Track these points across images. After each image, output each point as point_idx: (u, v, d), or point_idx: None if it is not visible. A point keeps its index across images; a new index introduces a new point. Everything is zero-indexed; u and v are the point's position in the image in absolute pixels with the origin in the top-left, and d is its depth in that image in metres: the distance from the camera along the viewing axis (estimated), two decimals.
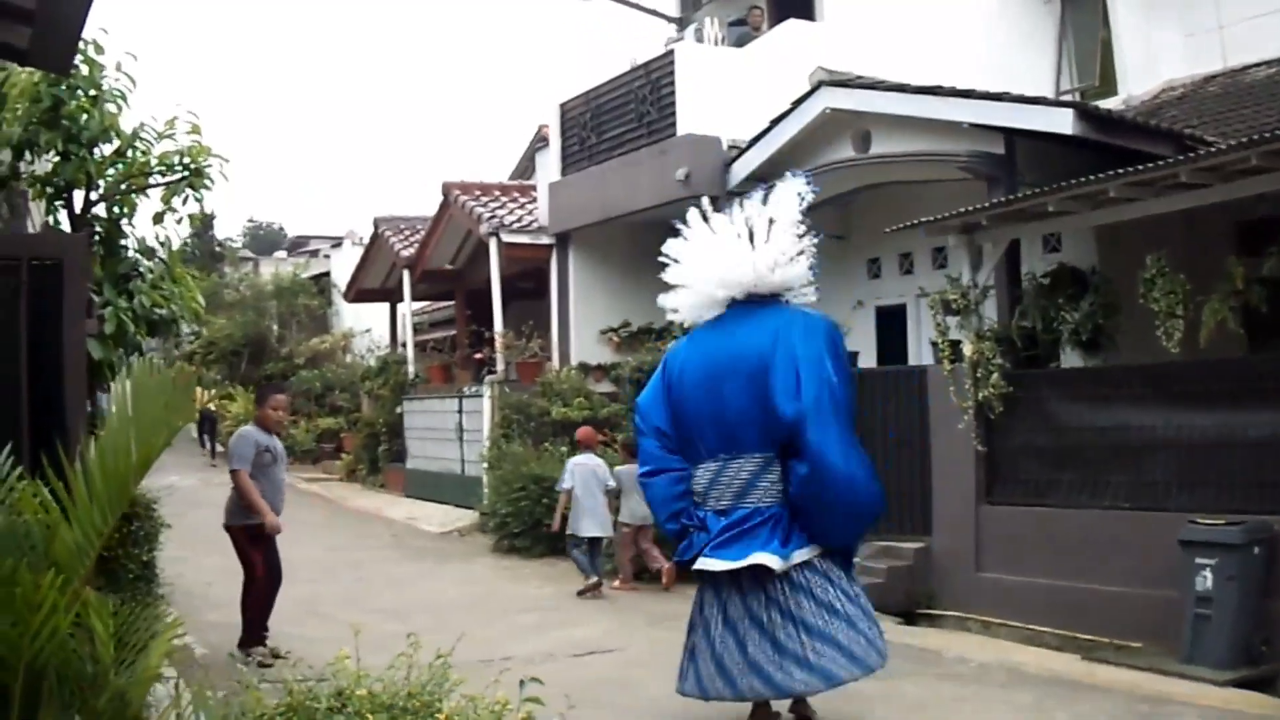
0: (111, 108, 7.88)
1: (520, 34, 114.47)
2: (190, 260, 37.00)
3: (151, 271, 8.49)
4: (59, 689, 2.73)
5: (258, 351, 29.47)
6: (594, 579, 12.34)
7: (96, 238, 8.43)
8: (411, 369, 23.25)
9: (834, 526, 7.28)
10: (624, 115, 16.49)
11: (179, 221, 9.02)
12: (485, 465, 16.97)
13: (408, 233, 23.76)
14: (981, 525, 10.73)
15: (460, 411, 19.73)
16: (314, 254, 35.53)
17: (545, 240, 18.69)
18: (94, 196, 8.28)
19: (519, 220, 19.33)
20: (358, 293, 26.13)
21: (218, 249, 37.37)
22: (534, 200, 19.52)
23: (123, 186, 8.43)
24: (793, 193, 7.65)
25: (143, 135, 8.41)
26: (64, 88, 7.62)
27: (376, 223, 24.78)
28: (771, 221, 7.57)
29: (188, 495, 20.35)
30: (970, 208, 10.33)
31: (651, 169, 15.49)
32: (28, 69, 7.36)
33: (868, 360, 13.88)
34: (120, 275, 8.33)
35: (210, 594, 12.16)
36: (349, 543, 16.46)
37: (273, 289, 31.34)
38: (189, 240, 36.59)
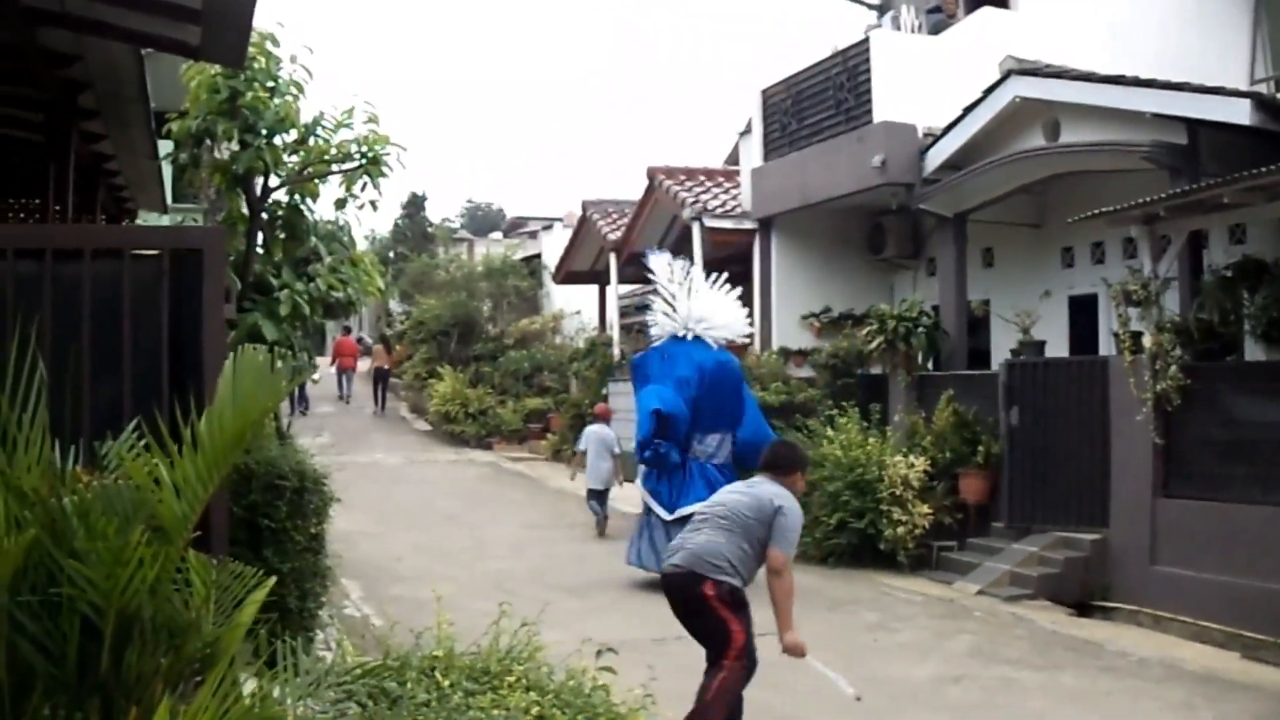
0: (288, 98, 8.35)
1: (733, 20, 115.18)
2: (401, 240, 39.19)
3: (332, 254, 9.17)
4: (152, 634, 3.16)
5: (466, 331, 30.68)
6: (602, 519, 16.43)
7: (278, 223, 9.14)
8: (617, 351, 24.49)
9: None
10: (823, 102, 17.33)
11: (360, 208, 9.52)
12: None
13: (615, 216, 25.01)
14: (1157, 518, 11.24)
15: None
16: (532, 235, 36.95)
17: (748, 225, 19.63)
18: (273, 183, 8.81)
19: (722, 205, 20.32)
20: (566, 274, 27.55)
21: (429, 230, 39.11)
22: (737, 185, 20.49)
23: (304, 173, 8.96)
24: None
25: (322, 124, 8.91)
26: (241, 79, 8.10)
27: (584, 205, 26.14)
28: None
29: (392, 472, 22.13)
30: (1149, 198, 10.86)
31: (849, 155, 16.29)
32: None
33: (1059, 350, 14.37)
34: (300, 259, 9.05)
35: (398, 569, 13.44)
36: (545, 521, 17.64)
37: (483, 270, 32.88)
38: (400, 221, 38.93)
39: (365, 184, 9.08)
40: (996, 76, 13.67)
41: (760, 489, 7.13)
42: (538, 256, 33.47)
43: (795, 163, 17.90)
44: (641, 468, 13.13)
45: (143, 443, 3.55)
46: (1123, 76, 11.98)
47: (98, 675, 3.10)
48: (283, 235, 9.17)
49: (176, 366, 4.87)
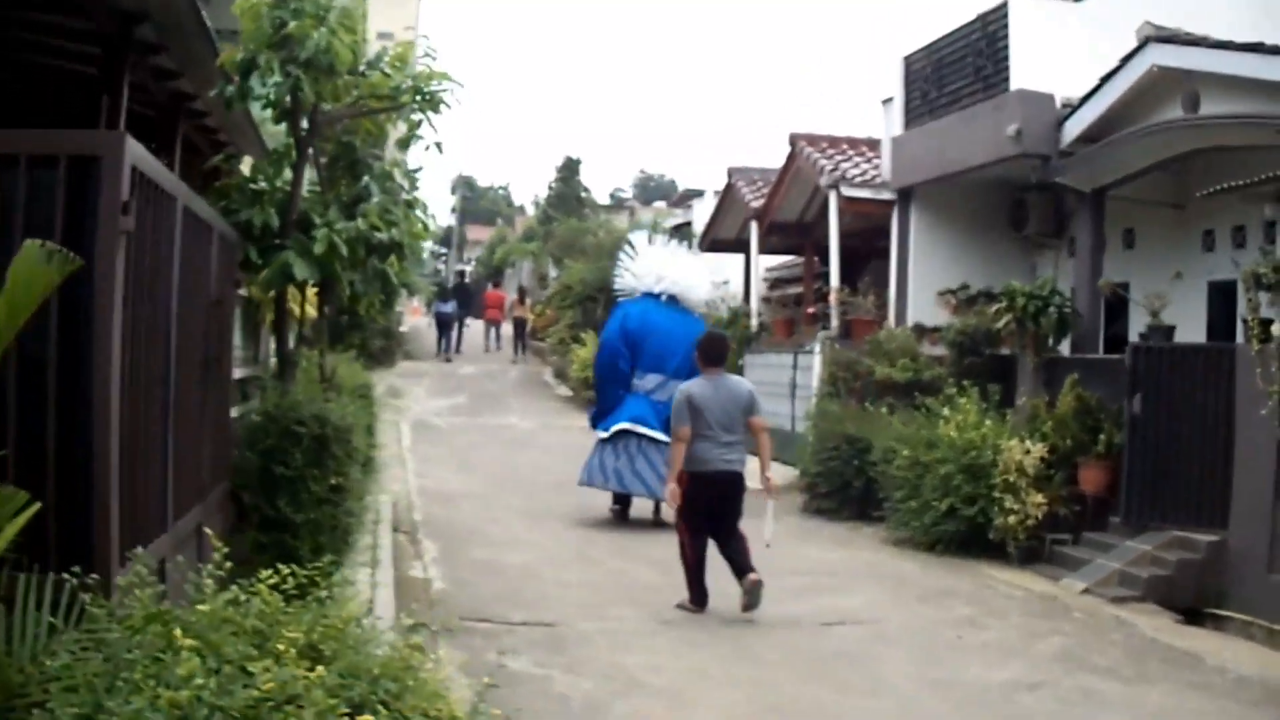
0: (336, 30, 7.88)
1: None
2: (552, 204, 39.20)
3: (388, 193, 8.87)
4: None
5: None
6: None
7: (339, 162, 8.97)
8: (755, 322, 24.05)
9: None
10: (963, 69, 16.63)
11: (426, 149, 9.19)
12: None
13: (760, 184, 24.48)
14: (1278, 522, 10.43)
15: (794, 367, 20.36)
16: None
17: (887, 195, 19.01)
18: (320, 119, 8.49)
19: (862, 174, 19.72)
20: (711, 242, 27.13)
21: (583, 194, 39.12)
22: (880, 156, 19.82)
23: (354, 108, 8.67)
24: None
25: (374, 62, 8.61)
26: (289, 9, 7.78)
27: (730, 172, 25.68)
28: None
29: (521, 436, 22.14)
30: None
31: (986, 125, 15.57)
32: None
33: (1196, 338, 13.48)
34: (354, 199, 8.77)
35: (489, 531, 13.28)
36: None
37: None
38: (552, 185, 38.93)
39: (420, 122, 8.77)
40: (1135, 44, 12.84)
41: (729, 386, 10.29)
42: (688, 224, 33.13)
43: (933, 132, 17.22)
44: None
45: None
46: (1262, 44, 11.08)
47: None
48: (332, 175, 8.94)
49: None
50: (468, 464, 18.40)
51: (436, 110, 8.62)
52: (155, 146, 9.75)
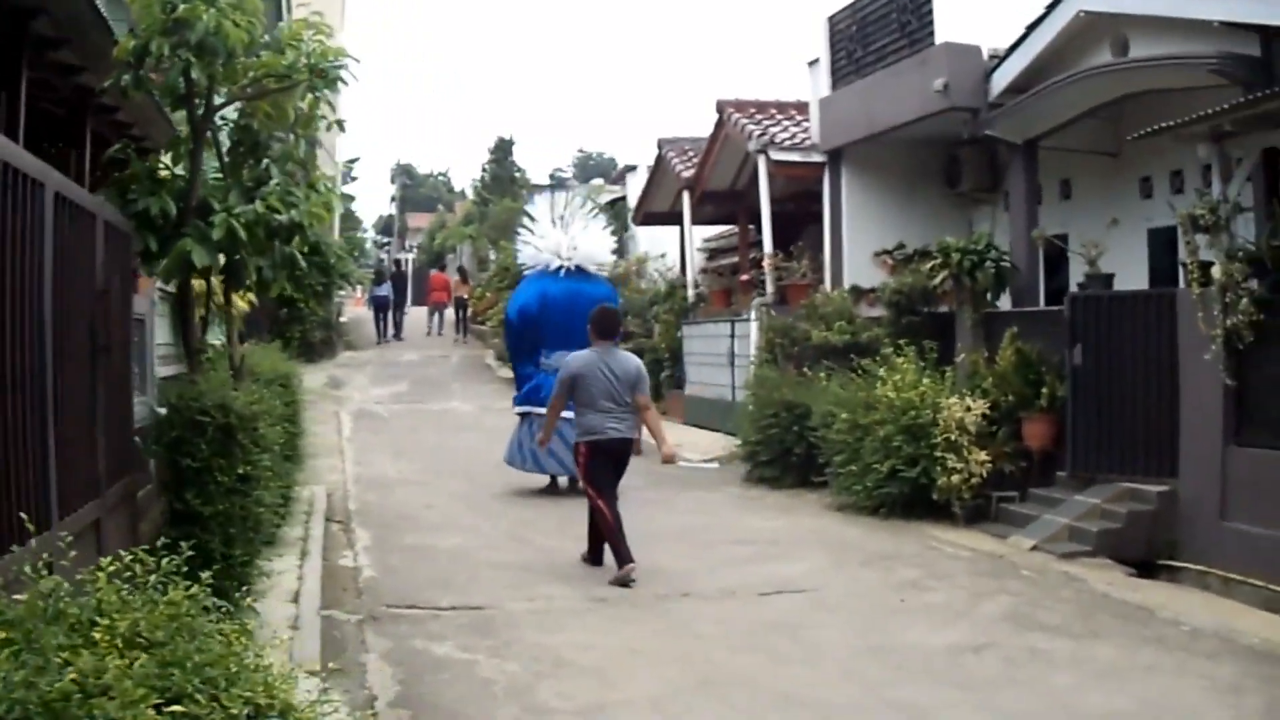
0: (225, 12, 7.54)
1: None
2: (487, 187, 38.84)
3: (290, 176, 8.61)
4: None
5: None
6: None
7: (232, 143, 8.63)
8: (691, 293, 23.75)
9: None
10: (887, 25, 16.35)
11: (328, 129, 9.12)
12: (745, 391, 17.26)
13: (691, 154, 24.15)
14: (1228, 468, 10.19)
15: (732, 336, 20.08)
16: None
17: (816, 158, 18.72)
18: (218, 101, 8.23)
19: (791, 138, 19.45)
20: (645, 216, 26.82)
21: (516, 174, 38.69)
22: (808, 118, 19.52)
23: (247, 91, 8.37)
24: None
25: (272, 44, 8.29)
26: None
27: (660, 144, 25.34)
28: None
29: (461, 419, 21.80)
30: (1214, 109, 9.77)
31: (912, 81, 15.30)
32: None
33: (1137, 284, 13.26)
34: (255, 183, 8.49)
35: (424, 517, 12.92)
36: None
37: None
38: (486, 167, 38.57)
39: (318, 100, 8.46)
40: None
41: (617, 360, 10.57)
42: (623, 199, 32.73)
43: (860, 91, 16.93)
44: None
45: None
46: None
47: None
48: (230, 160, 8.61)
49: None
50: (406, 451, 18.00)
51: (333, 88, 8.39)
52: (62, 144, 9.40)
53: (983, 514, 12.37)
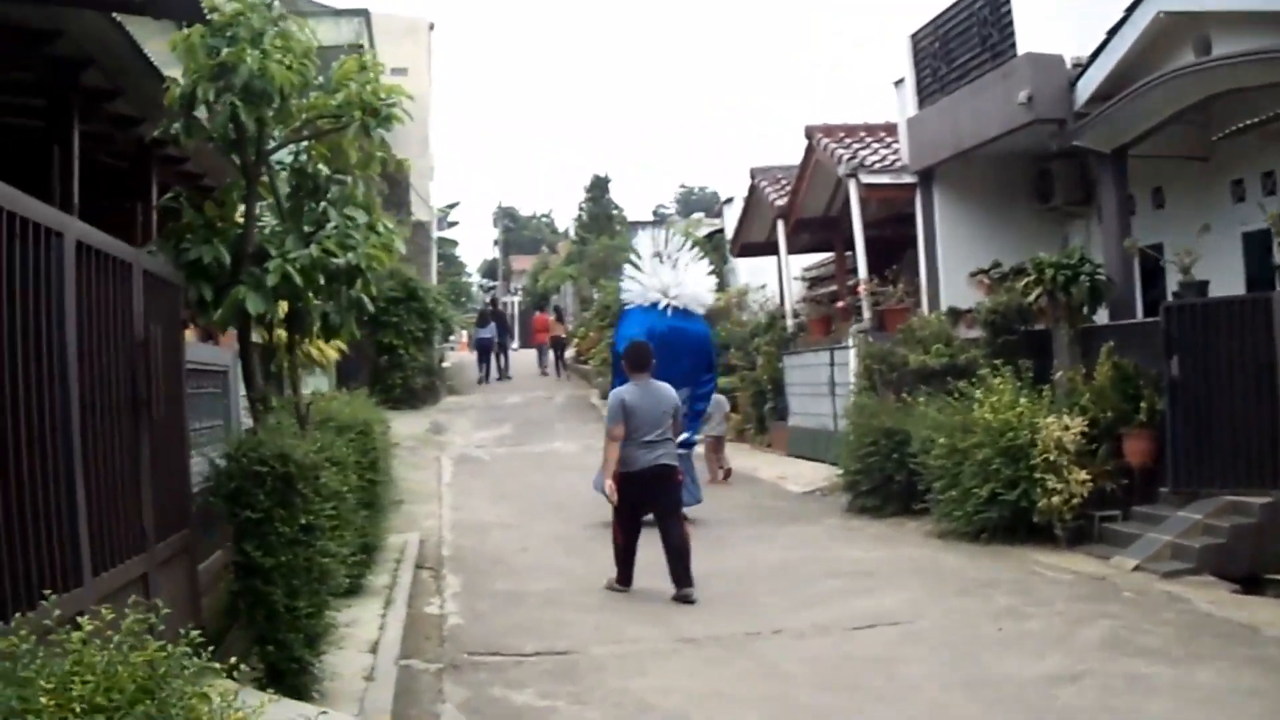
0: (272, 55, 7.52)
1: None
2: (585, 226, 39.02)
3: (350, 220, 8.37)
4: None
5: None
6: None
7: (290, 188, 8.48)
8: (791, 323, 23.52)
9: None
10: (969, 40, 16.09)
11: (381, 174, 8.88)
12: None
13: (784, 182, 23.98)
14: None
15: (831, 364, 19.82)
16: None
17: (907, 179, 18.47)
18: (270, 146, 8.10)
19: (881, 160, 19.21)
20: (742, 247, 26.68)
21: (613, 212, 38.79)
22: (897, 139, 19.26)
23: (301, 133, 8.27)
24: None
25: (316, 82, 8.10)
26: (223, 38, 7.43)
27: (753, 173, 25.20)
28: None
29: (564, 460, 21.69)
30: None
31: (996, 94, 15.02)
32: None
33: (1234, 290, 12.80)
34: (313, 226, 8.34)
35: (517, 561, 12.88)
36: (701, 505, 16.85)
37: None
38: (582, 206, 38.75)
39: (365, 142, 8.27)
40: None
41: (656, 391, 11.08)
42: (720, 232, 32.63)
43: (946, 108, 16.66)
44: None
45: None
46: None
47: None
48: (289, 205, 8.51)
49: None
50: (506, 494, 18.00)
51: (388, 126, 8.22)
52: (128, 197, 9.50)
53: (1085, 535, 11.99)
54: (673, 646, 9.06)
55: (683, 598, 10.44)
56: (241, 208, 8.22)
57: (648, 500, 10.98)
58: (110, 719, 3.21)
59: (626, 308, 16.46)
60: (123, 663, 3.36)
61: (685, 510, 13.73)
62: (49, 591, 4.10)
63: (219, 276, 7.81)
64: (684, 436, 13.69)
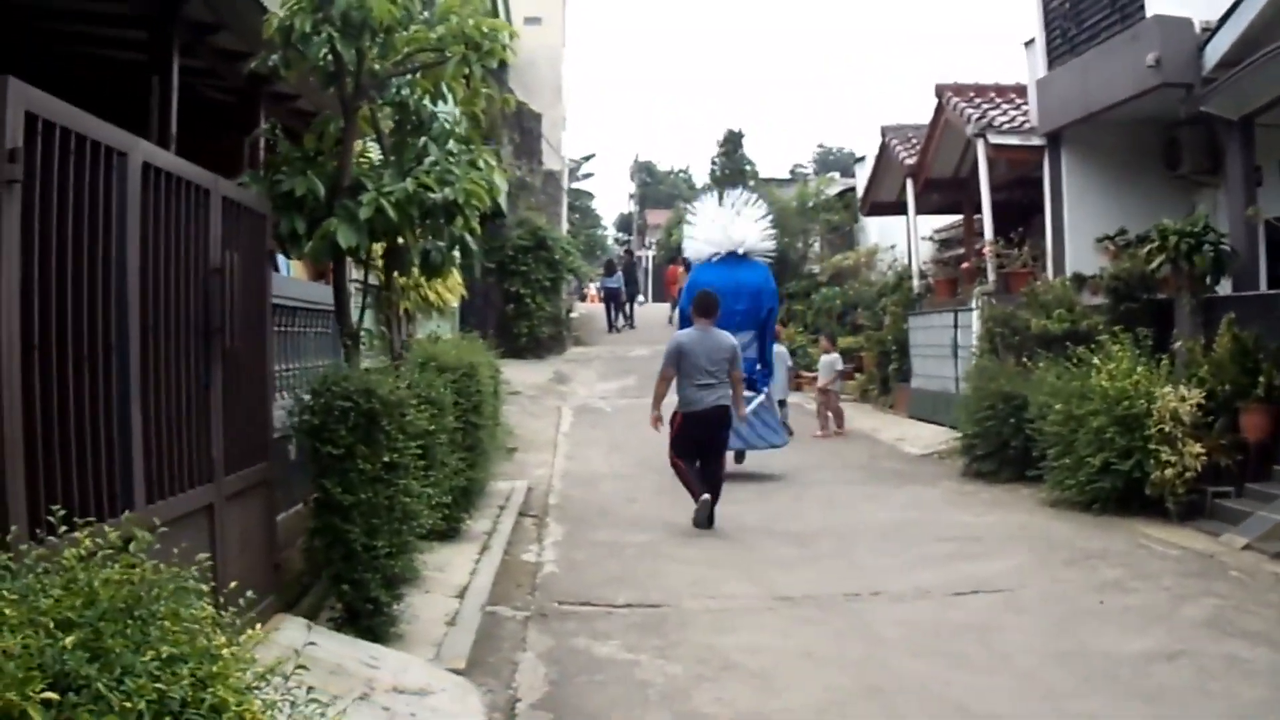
0: None
1: None
2: (719, 181, 38.78)
3: (451, 155, 8.27)
4: None
5: (780, 268, 30.25)
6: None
7: (395, 123, 8.40)
8: (917, 284, 23.34)
9: None
10: (1098, 1, 15.71)
11: (483, 109, 8.75)
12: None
13: (915, 141, 23.70)
14: None
15: (955, 327, 19.68)
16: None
17: (1036, 141, 18.18)
18: (365, 81, 7.87)
19: (1011, 121, 18.92)
20: (871, 206, 26.47)
21: (747, 168, 38.58)
22: (1027, 101, 18.96)
23: (402, 67, 8.11)
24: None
25: (423, 18, 8.00)
26: None
27: (884, 131, 24.94)
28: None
29: None
30: None
31: (1125, 57, 14.70)
32: None
33: None
34: (414, 161, 8.22)
35: (624, 511, 13.17)
36: (817, 463, 16.93)
37: (796, 206, 32.11)
38: (715, 160, 38.54)
39: (469, 76, 8.12)
40: None
41: (715, 337, 12.32)
42: (851, 190, 32.36)
43: (1075, 70, 16.35)
44: None
45: None
46: None
47: None
48: (404, 137, 8.46)
49: None
50: (621, 445, 18.26)
51: (489, 62, 8.00)
52: (240, 121, 9.64)
53: (1197, 510, 11.80)
54: (768, 604, 9.14)
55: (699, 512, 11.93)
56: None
57: (707, 438, 12.21)
58: (83, 635, 3.16)
59: (692, 265, 17.37)
60: (104, 582, 3.33)
61: (775, 448, 15.92)
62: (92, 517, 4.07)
63: (314, 209, 7.76)
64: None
